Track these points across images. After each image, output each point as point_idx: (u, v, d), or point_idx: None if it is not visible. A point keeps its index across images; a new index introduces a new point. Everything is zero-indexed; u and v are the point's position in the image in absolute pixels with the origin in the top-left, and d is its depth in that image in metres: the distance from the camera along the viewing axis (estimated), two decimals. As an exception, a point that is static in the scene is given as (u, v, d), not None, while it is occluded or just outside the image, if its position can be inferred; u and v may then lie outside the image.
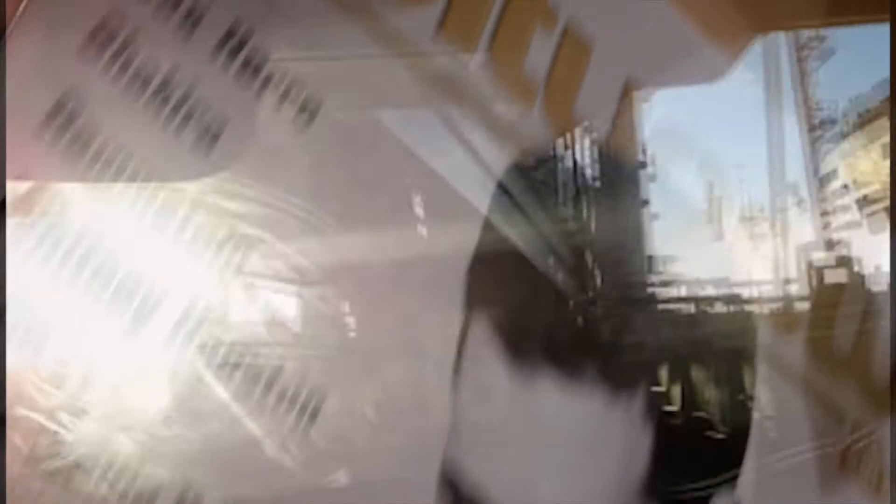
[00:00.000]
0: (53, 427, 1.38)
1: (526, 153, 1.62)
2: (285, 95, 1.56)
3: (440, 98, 1.70)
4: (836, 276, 2.46)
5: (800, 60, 3.21)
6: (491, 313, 0.86)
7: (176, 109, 1.48)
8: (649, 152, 2.41)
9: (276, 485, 1.49)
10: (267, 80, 1.55)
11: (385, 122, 1.73)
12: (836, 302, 2.03)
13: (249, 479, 1.48)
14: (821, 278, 2.41)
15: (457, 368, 1.46)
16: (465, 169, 1.71)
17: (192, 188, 1.51)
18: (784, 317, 1.97)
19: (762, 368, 1.86)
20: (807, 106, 3.39)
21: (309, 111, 1.55)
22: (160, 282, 1.44)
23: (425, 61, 1.68)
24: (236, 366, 1.49)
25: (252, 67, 1.54)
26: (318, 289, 1.61)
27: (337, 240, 1.62)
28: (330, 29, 1.63)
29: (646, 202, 2.39)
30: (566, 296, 0.82)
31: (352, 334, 1.62)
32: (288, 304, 1.59)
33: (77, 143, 1.40)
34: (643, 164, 2.50)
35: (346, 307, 1.64)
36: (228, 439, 1.48)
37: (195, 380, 1.47)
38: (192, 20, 1.49)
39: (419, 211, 1.69)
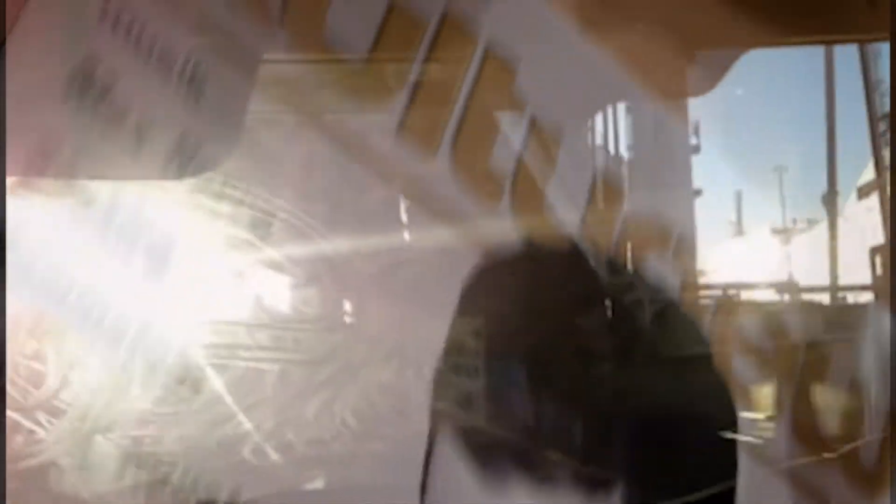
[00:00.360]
0: (31, 426, 1.43)
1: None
2: (239, 208, 1.63)
3: (404, 198, 1.72)
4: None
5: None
6: (458, 420, 0.89)
7: (122, 231, 1.54)
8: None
9: (255, 488, 1.54)
10: (220, 196, 1.62)
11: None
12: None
13: (229, 482, 1.52)
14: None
15: (425, 477, 1.40)
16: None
17: (178, 188, 1.56)
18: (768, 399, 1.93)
19: (745, 460, 1.81)
20: (871, 98, 3.30)
21: (265, 224, 1.62)
22: (143, 283, 1.51)
23: (387, 164, 1.71)
24: (218, 368, 1.53)
25: (203, 180, 1.60)
26: (303, 292, 1.63)
27: (322, 243, 1.66)
28: (287, 137, 1.67)
29: (698, 192, 2.31)
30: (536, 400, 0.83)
31: (335, 338, 1.65)
32: (271, 307, 1.62)
33: (19, 270, 1.41)
34: (696, 148, 2.42)
35: (331, 311, 1.65)
36: (208, 441, 1.51)
37: (176, 381, 1.50)
38: (139, 136, 1.53)
39: (405, 216, 1.72)
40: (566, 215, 1.81)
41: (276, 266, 1.60)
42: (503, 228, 1.72)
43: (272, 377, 1.57)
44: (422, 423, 1.54)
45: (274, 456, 1.52)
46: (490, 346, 0.90)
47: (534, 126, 1.81)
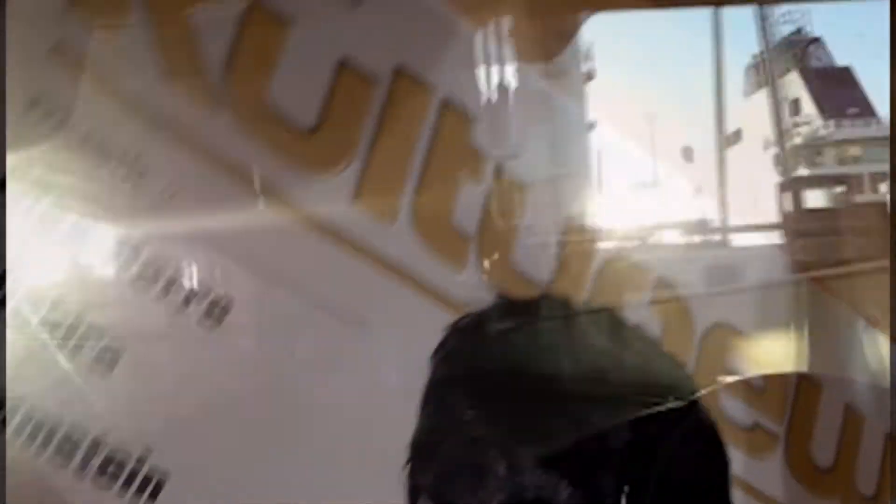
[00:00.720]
0: None
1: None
2: (189, 298, 1.56)
3: (365, 269, 1.66)
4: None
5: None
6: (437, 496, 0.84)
7: (67, 337, 1.48)
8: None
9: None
10: (170, 284, 1.55)
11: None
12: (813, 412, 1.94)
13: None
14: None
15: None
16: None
17: (15, 160, 1.45)
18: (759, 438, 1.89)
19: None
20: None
21: (216, 314, 1.55)
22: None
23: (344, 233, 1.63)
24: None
25: (153, 269, 1.53)
26: (150, 266, 1.58)
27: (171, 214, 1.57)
28: (238, 213, 1.61)
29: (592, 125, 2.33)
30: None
31: (187, 313, 1.58)
32: (118, 285, 1.55)
33: None
34: (590, 77, 2.42)
35: (182, 285, 1.58)
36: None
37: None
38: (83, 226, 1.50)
39: (258, 183, 1.63)
40: (537, 268, 1.75)
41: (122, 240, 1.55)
42: (472, 287, 1.66)
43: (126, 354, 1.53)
44: (287, 390, 1.59)
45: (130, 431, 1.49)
46: (470, 415, 0.84)
47: (498, 178, 1.74)
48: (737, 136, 5.02)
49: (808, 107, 7.23)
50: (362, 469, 1.49)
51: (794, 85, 6.64)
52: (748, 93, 4.99)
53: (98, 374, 1.48)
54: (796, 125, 6.73)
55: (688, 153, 4.08)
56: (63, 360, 1.47)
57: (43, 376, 1.48)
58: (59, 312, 1.48)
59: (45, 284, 1.48)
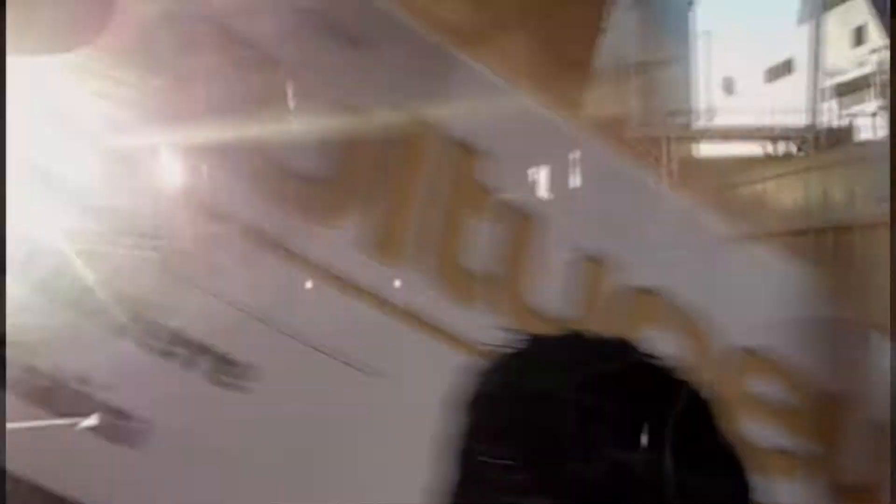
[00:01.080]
0: None
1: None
2: (193, 358, 1.54)
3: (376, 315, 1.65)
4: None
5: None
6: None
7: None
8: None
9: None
10: (173, 343, 1.53)
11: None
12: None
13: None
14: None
15: None
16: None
17: (55, 64, 1.45)
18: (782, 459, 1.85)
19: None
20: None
21: (233, 375, 1.53)
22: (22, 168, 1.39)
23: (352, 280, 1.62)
24: (98, 256, 1.49)
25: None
26: (185, 177, 1.59)
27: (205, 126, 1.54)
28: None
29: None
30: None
31: (217, 228, 1.58)
32: (152, 194, 1.55)
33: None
34: None
35: (214, 199, 1.58)
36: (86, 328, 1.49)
37: (54, 268, 1.47)
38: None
39: (292, 101, 1.61)
40: (551, 301, 1.72)
41: (157, 151, 1.54)
42: (484, 326, 1.64)
43: (154, 265, 1.53)
44: (313, 305, 1.59)
45: (157, 343, 1.50)
46: (496, 463, 0.82)
47: (505, 212, 1.71)
48: (788, 65, 4.90)
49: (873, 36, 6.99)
50: (282, 274, 1.53)
51: (858, 12, 6.43)
52: (802, 20, 4.89)
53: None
54: (873, 51, 6.48)
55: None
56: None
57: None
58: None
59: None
